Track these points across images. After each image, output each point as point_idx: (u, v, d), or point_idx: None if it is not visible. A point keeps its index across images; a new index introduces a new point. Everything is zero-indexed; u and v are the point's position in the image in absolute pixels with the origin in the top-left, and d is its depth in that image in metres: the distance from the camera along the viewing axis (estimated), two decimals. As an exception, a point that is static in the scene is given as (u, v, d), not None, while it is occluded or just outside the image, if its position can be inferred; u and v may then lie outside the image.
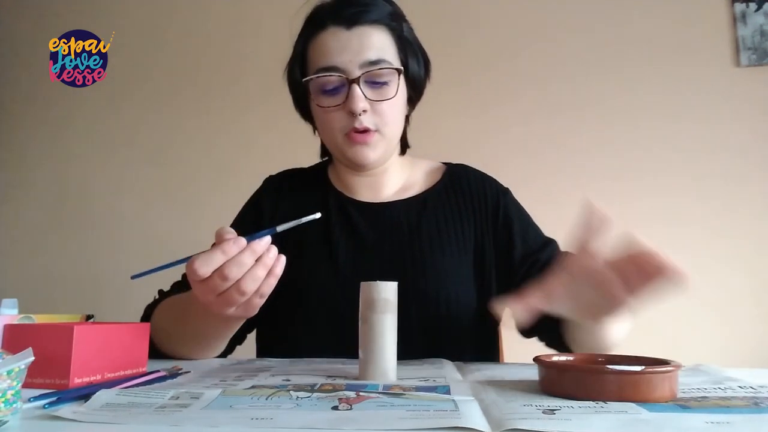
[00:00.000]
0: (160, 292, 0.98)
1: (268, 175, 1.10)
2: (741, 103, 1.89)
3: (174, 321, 0.86)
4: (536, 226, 1.02)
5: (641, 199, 1.89)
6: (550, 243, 0.98)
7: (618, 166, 1.93)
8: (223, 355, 0.92)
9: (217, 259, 0.65)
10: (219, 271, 0.66)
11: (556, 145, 1.96)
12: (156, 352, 0.90)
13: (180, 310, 0.86)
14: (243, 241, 0.67)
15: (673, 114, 1.93)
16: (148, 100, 2.22)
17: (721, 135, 1.89)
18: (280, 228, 0.70)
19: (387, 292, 0.63)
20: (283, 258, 0.69)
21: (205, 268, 0.65)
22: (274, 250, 0.69)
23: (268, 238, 0.68)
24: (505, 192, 1.03)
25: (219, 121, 2.17)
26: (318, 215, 0.71)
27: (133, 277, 0.70)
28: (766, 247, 1.82)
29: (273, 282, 0.69)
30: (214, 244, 0.68)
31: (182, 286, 0.97)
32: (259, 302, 0.72)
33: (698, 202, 1.86)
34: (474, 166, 1.08)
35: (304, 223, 0.70)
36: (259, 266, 0.67)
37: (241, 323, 0.85)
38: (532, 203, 1.05)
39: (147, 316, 0.94)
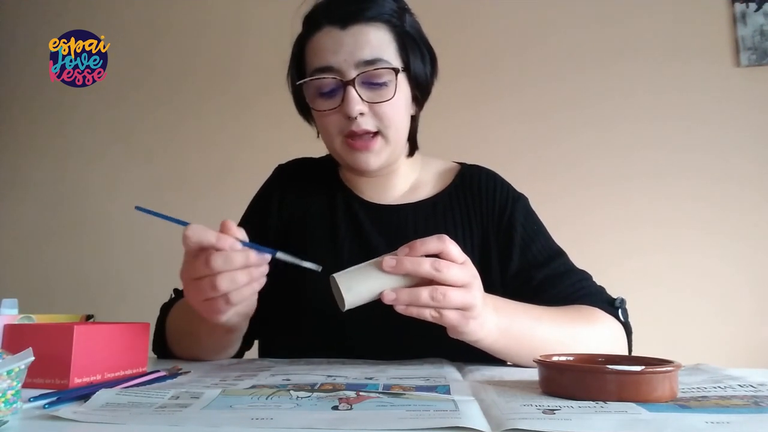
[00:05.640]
0: (176, 290, 0.97)
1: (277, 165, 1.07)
2: (741, 103, 1.89)
3: (184, 322, 0.86)
4: (547, 237, 0.96)
5: (641, 199, 1.89)
6: (556, 258, 0.92)
7: (617, 165, 1.92)
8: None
9: (208, 237, 0.63)
10: (205, 258, 0.63)
11: (554, 145, 1.96)
12: (168, 352, 0.90)
13: (188, 312, 0.85)
14: (238, 244, 0.64)
15: (673, 114, 1.92)
16: (146, 99, 2.22)
17: (720, 135, 1.89)
18: (280, 254, 0.66)
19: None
20: (264, 279, 0.67)
21: (195, 237, 0.63)
22: (265, 268, 0.66)
23: (267, 256, 0.66)
24: (517, 198, 0.98)
25: (217, 120, 2.17)
26: (318, 268, 0.68)
27: (137, 208, 0.69)
28: (766, 247, 1.82)
29: (247, 293, 0.65)
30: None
31: None
32: (232, 310, 0.67)
33: (698, 201, 1.86)
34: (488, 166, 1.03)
35: (300, 263, 0.67)
36: (243, 272, 0.64)
37: (237, 333, 0.83)
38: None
39: (163, 315, 0.93)
